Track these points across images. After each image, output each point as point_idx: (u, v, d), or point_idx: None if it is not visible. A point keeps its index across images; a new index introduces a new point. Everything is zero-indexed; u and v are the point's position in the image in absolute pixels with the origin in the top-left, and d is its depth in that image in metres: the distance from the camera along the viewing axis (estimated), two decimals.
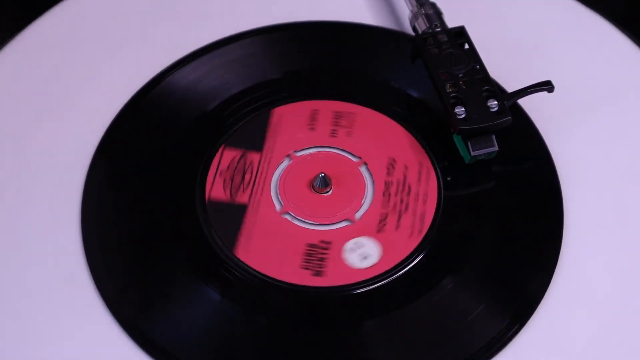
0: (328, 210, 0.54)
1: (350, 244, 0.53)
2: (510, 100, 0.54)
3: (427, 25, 0.58)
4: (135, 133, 0.58)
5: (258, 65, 0.61)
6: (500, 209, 0.54)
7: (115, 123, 0.58)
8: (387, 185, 0.55)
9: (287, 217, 0.53)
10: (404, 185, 0.55)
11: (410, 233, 0.53)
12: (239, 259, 0.51)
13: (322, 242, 0.52)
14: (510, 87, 0.57)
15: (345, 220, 0.53)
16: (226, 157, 0.56)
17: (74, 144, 0.57)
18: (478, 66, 0.55)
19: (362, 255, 0.52)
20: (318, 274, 0.51)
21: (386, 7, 0.64)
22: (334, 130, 0.57)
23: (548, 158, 0.56)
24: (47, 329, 0.50)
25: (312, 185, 0.54)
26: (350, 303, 0.51)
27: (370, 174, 0.55)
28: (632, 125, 0.59)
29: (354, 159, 0.56)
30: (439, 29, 0.58)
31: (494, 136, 0.54)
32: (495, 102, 0.54)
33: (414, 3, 0.60)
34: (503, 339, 0.49)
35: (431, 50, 0.56)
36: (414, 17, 0.59)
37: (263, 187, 0.54)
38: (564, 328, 0.50)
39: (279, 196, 0.54)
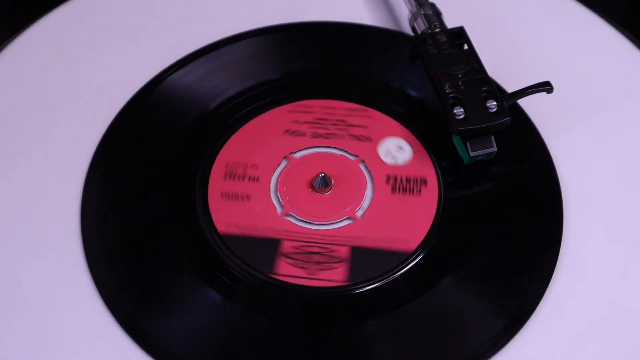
0: (330, 209, 0.54)
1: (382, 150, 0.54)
2: (509, 101, 0.54)
3: (427, 26, 0.58)
4: (135, 133, 0.58)
5: (258, 65, 0.61)
6: (500, 209, 0.54)
7: (115, 123, 0.58)
8: (389, 176, 0.55)
9: (290, 218, 0.53)
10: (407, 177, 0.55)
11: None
12: (239, 259, 0.51)
13: (324, 242, 0.53)
14: (509, 87, 0.57)
15: (346, 218, 0.54)
16: (226, 157, 0.56)
17: (74, 144, 0.57)
18: (477, 66, 0.55)
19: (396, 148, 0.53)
20: (314, 273, 0.51)
21: (385, 7, 0.64)
22: (332, 131, 0.57)
23: (548, 158, 0.56)
24: (47, 329, 0.50)
25: (312, 186, 0.54)
26: (351, 303, 0.51)
27: (369, 170, 0.56)
28: (632, 125, 0.59)
29: (351, 158, 0.56)
30: (438, 30, 0.58)
31: (493, 137, 0.54)
32: (494, 103, 0.54)
33: (413, 3, 0.60)
34: (502, 339, 0.49)
35: (430, 51, 0.56)
36: (413, 18, 0.59)
37: (263, 189, 0.55)
38: (563, 328, 0.50)
39: (279, 198, 0.54)
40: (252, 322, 0.50)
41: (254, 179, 0.55)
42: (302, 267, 0.51)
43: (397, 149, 0.55)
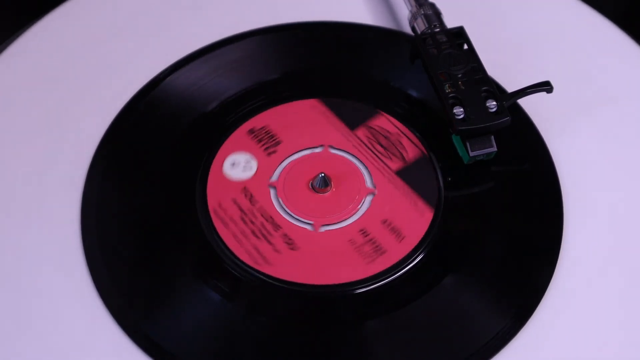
0: (334, 208, 0.54)
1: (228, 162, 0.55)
2: (509, 101, 0.54)
3: (426, 26, 0.58)
4: (135, 134, 0.58)
5: (258, 65, 0.61)
6: (501, 209, 0.54)
7: (115, 124, 0.58)
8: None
9: (323, 228, 0.54)
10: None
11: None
12: (240, 260, 0.52)
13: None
14: (509, 87, 0.57)
15: (368, 194, 0.54)
16: (227, 158, 0.56)
17: (74, 145, 0.57)
18: (477, 66, 0.55)
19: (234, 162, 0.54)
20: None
21: (385, 7, 0.64)
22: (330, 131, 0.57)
23: (548, 158, 0.56)
24: (46, 329, 0.50)
25: (312, 186, 0.54)
26: (351, 303, 0.51)
27: (365, 165, 0.56)
28: (632, 125, 0.59)
29: (317, 150, 0.56)
30: (438, 29, 0.58)
31: (492, 137, 0.54)
32: (494, 103, 0.54)
33: (413, 3, 0.60)
34: (504, 338, 0.49)
35: (430, 51, 0.56)
36: (413, 18, 0.59)
37: (263, 195, 0.55)
38: (565, 327, 0.50)
39: (282, 204, 0.54)
40: (254, 323, 0.50)
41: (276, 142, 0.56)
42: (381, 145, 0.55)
43: (245, 164, 0.55)
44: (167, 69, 0.60)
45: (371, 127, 0.57)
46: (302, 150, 0.56)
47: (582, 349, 0.50)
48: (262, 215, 0.53)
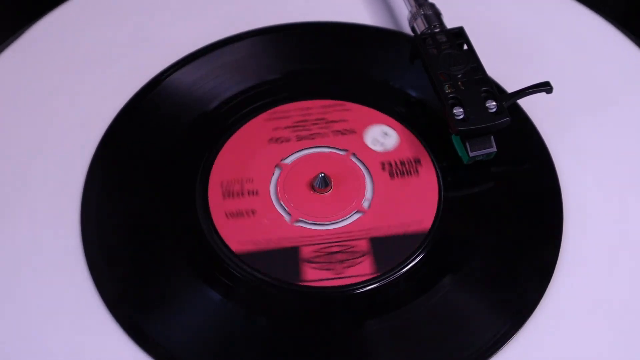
0: (336, 207, 0.54)
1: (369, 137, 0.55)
2: (508, 101, 0.54)
3: (426, 26, 0.58)
4: (135, 134, 0.58)
5: (258, 65, 0.61)
6: (500, 209, 0.54)
7: (115, 123, 0.58)
8: (384, 163, 0.55)
9: (301, 224, 0.53)
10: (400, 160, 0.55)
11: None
12: (239, 260, 0.51)
13: (342, 239, 0.53)
14: (509, 87, 0.57)
15: (355, 212, 0.54)
16: (219, 178, 0.55)
17: (74, 144, 0.57)
18: (477, 67, 0.55)
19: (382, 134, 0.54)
20: (342, 272, 0.51)
21: (385, 7, 0.64)
22: (315, 130, 0.57)
23: (548, 158, 0.56)
24: (47, 329, 0.50)
25: (312, 187, 0.54)
26: (351, 303, 0.51)
27: (362, 162, 0.56)
28: (632, 124, 0.59)
29: (341, 153, 0.56)
30: (437, 30, 0.58)
31: (492, 137, 0.54)
32: (494, 103, 0.54)
33: (413, 4, 0.60)
34: (502, 339, 0.49)
35: (430, 51, 0.56)
36: (413, 18, 0.59)
37: (265, 201, 0.54)
38: (563, 328, 0.50)
39: (284, 206, 0.54)
40: (252, 322, 0.50)
41: (253, 192, 0.55)
42: (328, 269, 0.51)
43: (382, 136, 0.55)
44: (167, 69, 0.60)
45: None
46: (271, 179, 0.56)
47: (581, 350, 0.50)
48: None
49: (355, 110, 0.57)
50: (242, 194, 0.54)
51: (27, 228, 0.53)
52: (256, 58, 0.62)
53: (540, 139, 0.57)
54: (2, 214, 0.54)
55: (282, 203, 0.54)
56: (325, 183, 0.54)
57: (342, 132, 0.57)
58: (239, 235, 0.53)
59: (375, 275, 0.51)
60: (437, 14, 0.59)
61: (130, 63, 0.61)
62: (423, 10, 0.59)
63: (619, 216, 0.54)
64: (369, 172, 0.55)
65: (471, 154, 0.54)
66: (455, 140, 0.55)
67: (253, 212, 0.54)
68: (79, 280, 0.51)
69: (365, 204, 0.54)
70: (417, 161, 0.55)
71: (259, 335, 0.50)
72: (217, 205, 0.54)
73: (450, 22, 0.59)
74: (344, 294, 0.51)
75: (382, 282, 0.51)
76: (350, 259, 0.52)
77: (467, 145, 0.54)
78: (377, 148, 0.55)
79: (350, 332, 0.50)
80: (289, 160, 0.56)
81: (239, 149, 0.56)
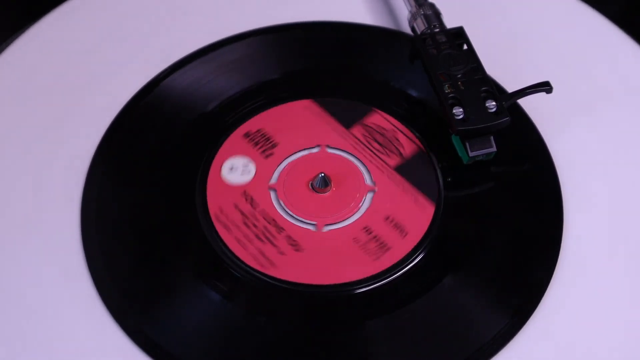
0: (335, 207, 0.54)
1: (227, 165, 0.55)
2: (508, 101, 0.54)
3: (426, 26, 0.58)
4: (135, 134, 0.58)
5: (257, 65, 0.61)
6: (501, 209, 0.54)
7: (115, 124, 0.58)
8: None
9: (326, 228, 0.54)
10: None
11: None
12: (240, 260, 0.52)
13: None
14: (509, 87, 0.57)
15: (369, 192, 0.54)
16: (226, 158, 0.56)
17: (74, 144, 0.57)
18: (476, 67, 0.55)
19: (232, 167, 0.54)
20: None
21: (385, 7, 0.64)
22: (329, 130, 0.57)
23: (548, 158, 0.56)
24: (46, 329, 0.50)
25: (312, 186, 0.54)
26: (351, 303, 0.51)
27: (363, 163, 0.56)
28: (632, 124, 0.59)
29: (315, 150, 0.56)
30: (437, 30, 0.58)
31: (492, 137, 0.54)
32: (494, 103, 0.54)
33: (413, 4, 0.60)
34: (503, 338, 0.49)
35: (430, 51, 0.56)
36: (413, 18, 0.59)
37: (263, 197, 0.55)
38: (564, 327, 0.50)
39: (283, 206, 0.54)
40: (254, 323, 0.50)
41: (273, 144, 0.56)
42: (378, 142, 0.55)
43: (243, 168, 0.55)
44: (167, 69, 0.60)
45: (366, 125, 0.57)
46: (300, 151, 0.56)
47: (582, 349, 0.50)
48: (264, 219, 0.54)
49: (403, 138, 0.57)
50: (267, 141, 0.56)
51: (26, 228, 0.53)
52: (256, 58, 0.62)
53: (540, 139, 0.57)
54: (2, 214, 0.54)
55: (302, 219, 0.54)
56: (324, 183, 0.54)
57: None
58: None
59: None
60: (437, 14, 0.59)
61: (130, 63, 0.61)
62: (423, 10, 0.59)
63: (619, 216, 0.54)
64: (356, 158, 0.56)
65: (471, 154, 0.54)
66: (455, 141, 0.55)
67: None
68: (79, 281, 0.51)
69: (369, 182, 0.55)
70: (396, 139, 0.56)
71: (259, 334, 0.50)
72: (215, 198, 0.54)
73: (450, 22, 0.59)
74: (344, 293, 0.51)
75: (381, 282, 0.51)
76: (387, 147, 0.54)
77: (467, 145, 0.54)
78: (236, 178, 0.55)
79: (354, 331, 0.50)
80: (274, 179, 0.56)
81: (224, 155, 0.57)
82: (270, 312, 0.51)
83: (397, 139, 0.56)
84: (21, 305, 0.51)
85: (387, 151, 0.56)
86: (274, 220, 0.53)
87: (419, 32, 0.59)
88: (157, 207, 0.54)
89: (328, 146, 0.56)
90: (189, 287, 0.51)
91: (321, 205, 0.54)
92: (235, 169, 0.54)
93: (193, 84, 0.59)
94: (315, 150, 0.56)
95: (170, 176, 0.55)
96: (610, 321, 0.51)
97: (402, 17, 0.63)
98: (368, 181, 0.55)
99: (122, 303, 0.51)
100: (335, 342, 0.50)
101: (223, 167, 0.55)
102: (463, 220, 0.54)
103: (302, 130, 0.57)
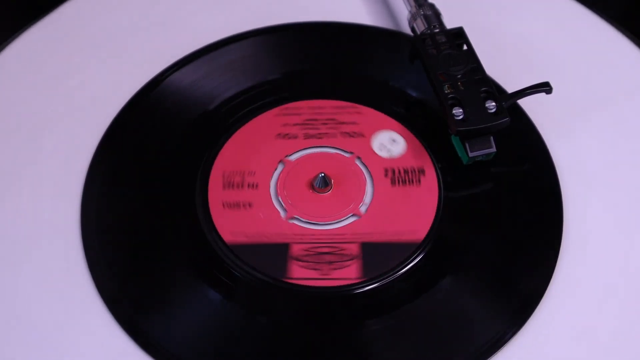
0: (333, 208, 0.54)
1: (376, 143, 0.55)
2: (508, 102, 0.54)
3: (426, 26, 0.58)
4: (135, 133, 0.58)
5: (258, 65, 0.61)
6: (501, 209, 0.54)
7: (115, 123, 0.58)
8: (387, 169, 0.55)
9: (295, 222, 0.53)
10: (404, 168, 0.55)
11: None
12: (239, 259, 0.52)
13: (333, 241, 0.53)
14: (509, 87, 0.57)
15: (351, 216, 0.54)
16: (221, 167, 0.56)
17: (75, 144, 0.57)
18: (476, 67, 0.55)
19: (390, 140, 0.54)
20: (328, 273, 0.51)
21: (385, 7, 0.64)
22: (323, 130, 0.57)
23: (548, 158, 0.56)
24: (46, 329, 0.50)
25: (312, 186, 0.54)
26: (351, 303, 0.51)
27: (366, 166, 0.56)
28: (632, 125, 0.59)
29: (346, 155, 0.56)
30: (437, 30, 0.58)
31: (492, 137, 0.54)
32: (493, 104, 0.54)
33: (413, 4, 0.60)
34: (502, 339, 0.49)
35: (429, 51, 0.56)
36: (413, 18, 0.59)
37: (263, 195, 0.55)
38: (563, 328, 0.50)
39: (281, 202, 0.54)
40: (252, 322, 0.50)
41: (252, 186, 0.55)
42: (315, 269, 0.51)
43: (390, 142, 0.55)
44: (167, 69, 0.60)
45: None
46: (272, 174, 0.56)
47: (581, 350, 0.50)
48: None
49: (367, 114, 0.57)
50: (242, 185, 0.55)
51: (27, 227, 0.53)
52: (256, 58, 0.62)
53: (540, 139, 0.57)
54: (2, 214, 0.54)
55: (280, 199, 0.54)
56: (325, 183, 0.54)
57: (351, 135, 0.57)
58: (233, 226, 0.53)
59: (362, 280, 0.51)
60: (437, 14, 0.59)
61: (130, 63, 0.61)
62: (423, 11, 0.59)
63: (619, 216, 0.54)
64: (371, 176, 0.55)
65: (471, 155, 0.54)
66: (455, 141, 0.55)
67: (250, 204, 0.54)
68: (79, 281, 0.51)
69: (363, 208, 0.54)
70: (421, 171, 0.55)
71: (258, 334, 0.50)
72: (216, 196, 0.54)
73: (450, 23, 0.59)
74: (344, 293, 0.51)
75: (382, 282, 0.51)
76: (339, 262, 0.52)
77: (467, 145, 0.54)
78: (382, 154, 0.55)
79: (351, 332, 0.50)
80: (293, 157, 0.56)
81: (245, 142, 0.56)
82: (270, 312, 0.51)
83: (406, 149, 0.56)
84: (21, 304, 0.51)
85: (394, 160, 0.56)
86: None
87: (418, 33, 0.59)
88: (157, 207, 0.54)
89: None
90: (188, 287, 0.51)
91: (323, 205, 0.54)
92: (383, 145, 0.54)
93: (193, 84, 0.59)
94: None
95: (170, 176, 0.55)
96: (610, 322, 0.51)
97: (402, 17, 0.63)
98: (369, 187, 0.55)
99: (122, 302, 0.51)
100: (335, 342, 0.50)
101: (373, 146, 0.56)
102: (462, 221, 0.54)
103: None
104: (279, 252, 0.52)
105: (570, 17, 0.64)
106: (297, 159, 0.56)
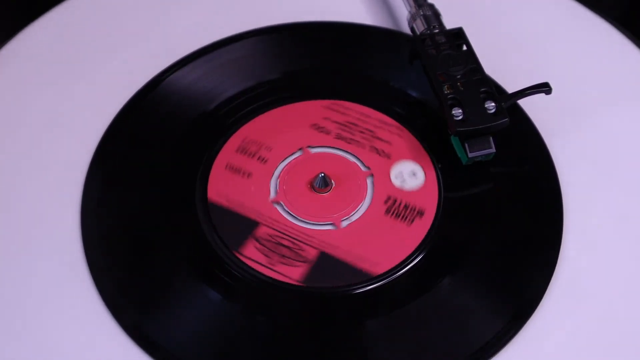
0: (319, 211, 0.54)
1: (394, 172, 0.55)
2: (507, 102, 0.54)
3: (426, 27, 0.58)
4: (135, 133, 0.58)
5: (258, 65, 0.61)
6: (501, 210, 0.54)
7: (115, 123, 0.58)
8: (390, 197, 0.55)
9: (277, 207, 0.54)
10: (406, 203, 0.55)
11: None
12: (239, 259, 0.52)
13: (298, 238, 0.53)
14: (509, 88, 0.57)
15: (329, 224, 0.54)
16: (246, 132, 0.57)
17: (74, 144, 0.57)
18: (476, 67, 0.55)
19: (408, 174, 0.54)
20: (275, 264, 0.52)
21: (385, 8, 0.64)
22: (357, 137, 0.57)
23: (548, 158, 0.56)
24: (47, 329, 0.50)
25: (311, 183, 0.54)
26: (351, 303, 0.51)
27: (373, 187, 0.55)
28: (632, 125, 0.59)
29: (363, 169, 0.56)
30: (437, 30, 0.58)
31: (491, 138, 0.54)
32: (493, 104, 0.54)
33: (413, 4, 0.60)
34: (503, 339, 0.49)
35: (429, 52, 0.56)
36: (412, 18, 0.59)
37: (266, 172, 0.55)
38: (563, 328, 0.50)
39: (277, 185, 0.54)
40: (252, 322, 0.50)
41: (262, 160, 0.55)
42: (266, 255, 0.52)
43: (410, 174, 0.55)
44: (167, 69, 0.60)
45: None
46: (286, 158, 0.56)
47: (581, 350, 0.50)
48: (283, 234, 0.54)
49: (406, 139, 0.57)
50: (254, 155, 0.55)
51: (27, 228, 0.54)
52: (256, 58, 0.62)
53: (540, 139, 0.57)
54: (2, 214, 0.54)
55: (278, 182, 0.54)
56: (323, 184, 0.54)
57: (379, 152, 0.56)
58: (222, 187, 0.54)
59: (299, 284, 0.51)
60: (437, 15, 0.59)
61: (130, 63, 0.61)
62: (422, 11, 0.59)
63: (619, 216, 0.54)
64: (372, 198, 0.55)
65: (470, 155, 0.54)
66: (454, 141, 0.55)
67: (249, 175, 0.55)
68: (79, 281, 0.51)
69: (344, 223, 0.54)
70: (420, 212, 0.54)
71: (258, 334, 0.50)
72: (225, 158, 0.55)
73: (449, 23, 0.59)
74: (344, 293, 0.51)
75: (382, 282, 0.51)
76: (291, 258, 0.52)
77: (466, 146, 0.54)
78: (396, 182, 0.55)
79: (351, 332, 0.50)
80: (314, 150, 0.56)
81: (282, 117, 0.57)
82: (270, 312, 0.51)
83: (417, 170, 0.56)
84: (21, 304, 0.51)
85: (403, 192, 0.55)
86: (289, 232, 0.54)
87: (418, 33, 0.59)
88: (157, 207, 0.54)
89: (310, 146, 0.56)
90: (186, 285, 0.51)
91: (312, 204, 0.54)
92: (401, 174, 0.54)
93: (193, 84, 0.59)
94: (298, 154, 0.56)
95: (170, 176, 0.56)
96: (610, 323, 0.51)
97: (402, 17, 0.63)
98: (367, 197, 0.55)
99: (122, 302, 0.51)
100: (335, 342, 0.50)
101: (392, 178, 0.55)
102: (462, 221, 0.54)
103: (284, 135, 0.57)
104: (246, 227, 0.53)
105: (570, 17, 0.64)
106: (317, 154, 0.56)
